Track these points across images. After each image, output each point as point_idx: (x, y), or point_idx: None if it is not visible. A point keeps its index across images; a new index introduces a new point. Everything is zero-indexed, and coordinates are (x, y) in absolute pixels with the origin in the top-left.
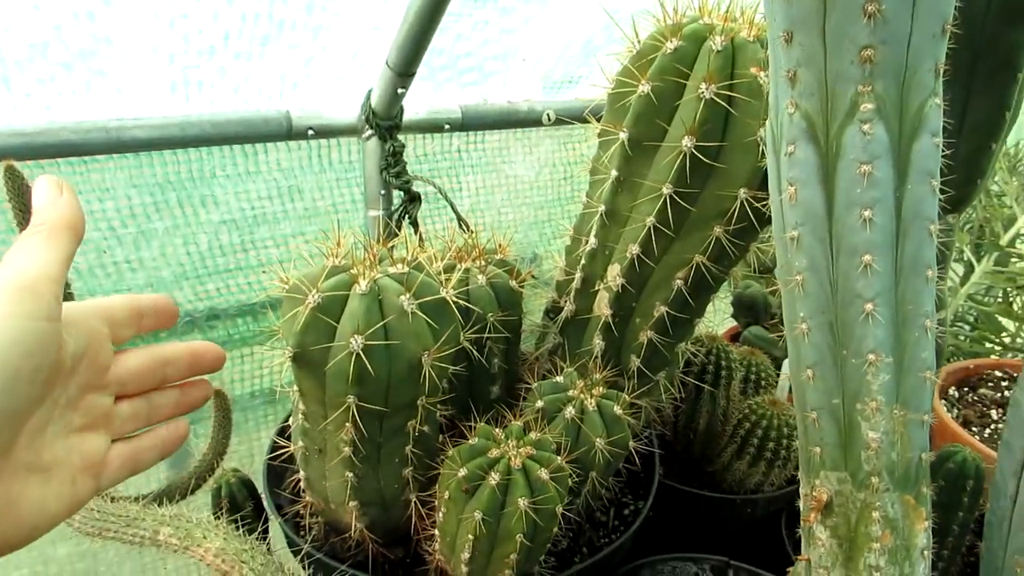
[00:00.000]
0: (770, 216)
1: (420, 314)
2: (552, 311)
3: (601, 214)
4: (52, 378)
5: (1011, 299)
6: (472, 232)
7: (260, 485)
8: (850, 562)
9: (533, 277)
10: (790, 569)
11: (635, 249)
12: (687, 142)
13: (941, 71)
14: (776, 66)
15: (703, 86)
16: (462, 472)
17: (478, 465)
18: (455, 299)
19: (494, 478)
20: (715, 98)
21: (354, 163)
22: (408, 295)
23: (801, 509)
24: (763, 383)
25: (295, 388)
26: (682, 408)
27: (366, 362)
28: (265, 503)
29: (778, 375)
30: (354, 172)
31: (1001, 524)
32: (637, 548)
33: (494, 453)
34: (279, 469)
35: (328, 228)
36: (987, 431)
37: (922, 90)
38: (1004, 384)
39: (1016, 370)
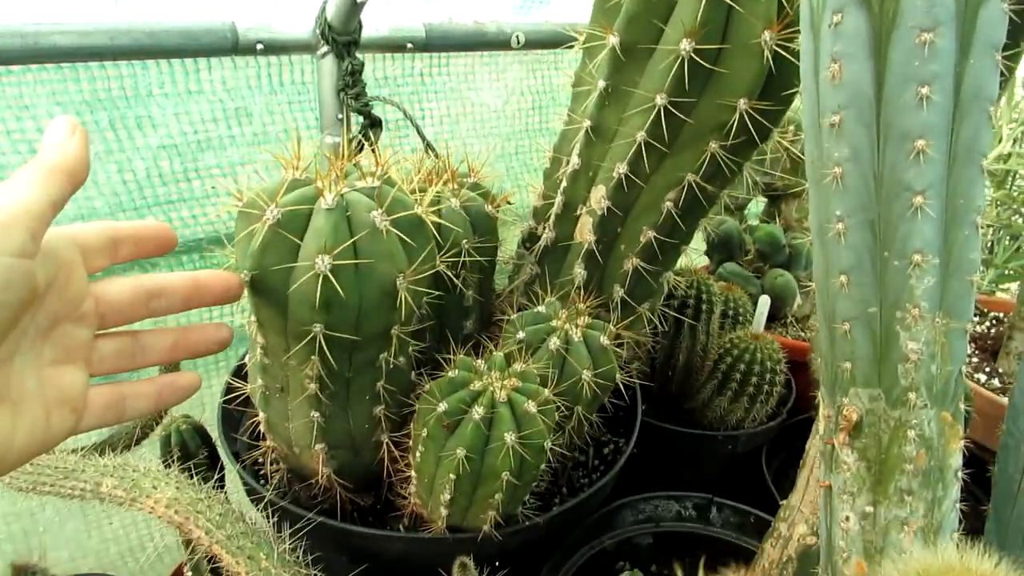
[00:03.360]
0: (770, 129)
1: (394, 231)
2: (528, 240)
3: (586, 130)
4: (20, 312)
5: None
6: (441, 156)
7: (214, 432)
8: (879, 486)
9: (508, 202)
10: (783, 503)
11: (623, 168)
12: (686, 45)
13: None
14: None
15: None
16: (442, 407)
17: (460, 399)
18: (430, 217)
19: (478, 412)
20: None
21: (308, 84)
22: (380, 211)
23: (820, 430)
24: (740, 319)
25: (252, 319)
26: (661, 343)
27: (334, 284)
28: (221, 450)
29: (754, 311)
30: (308, 94)
31: (1018, 447)
32: (617, 487)
33: (476, 386)
34: (235, 413)
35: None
36: None
37: None
38: (976, 319)
39: (986, 306)
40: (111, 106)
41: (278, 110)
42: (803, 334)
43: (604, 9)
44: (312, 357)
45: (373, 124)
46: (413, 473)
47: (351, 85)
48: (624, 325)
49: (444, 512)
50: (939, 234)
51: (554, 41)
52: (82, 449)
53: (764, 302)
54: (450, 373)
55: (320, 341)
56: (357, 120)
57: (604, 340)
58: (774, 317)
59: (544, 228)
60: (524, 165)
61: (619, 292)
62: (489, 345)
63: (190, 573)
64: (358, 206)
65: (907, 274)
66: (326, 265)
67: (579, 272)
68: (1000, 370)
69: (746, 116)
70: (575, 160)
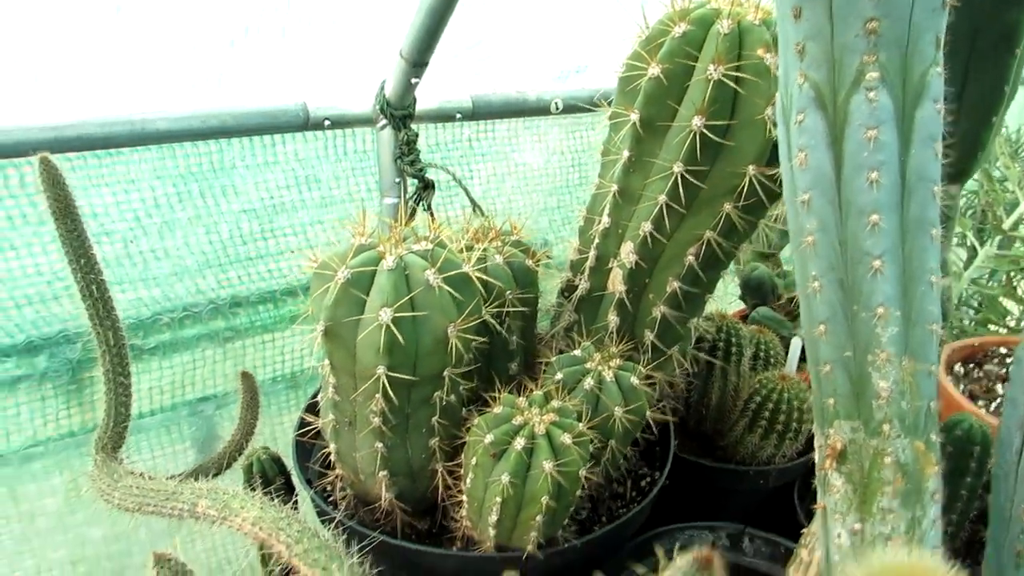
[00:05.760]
0: (779, 192)
1: (445, 287)
2: (567, 290)
3: (613, 194)
4: None
5: (1014, 282)
6: (487, 215)
7: (289, 462)
8: (864, 505)
9: (548, 257)
10: (804, 530)
11: (648, 227)
12: (697, 122)
13: (942, 42)
14: (785, 41)
15: (712, 67)
16: (489, 438)
17: (504, 431)
18: (476, 274)
19: (519, 443)
20: (723, 79)
21: (368, 152)
22: (433, 270)
23: (816, 459)
24: (772, 360)
25: (326, 362)
26: (694, 385)
27: (395, 333)
28: (295, 476)
29: (786, 353)
30: (368, 161)
31: (1008, 477)
32: (654, 518)
33: (518, 420)
34: (307, 445)
35: (344, 216)
36: (993, 405)
37: (923, 59)
38: (1008, 360)
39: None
40: (201, 178)
41: (343, 176)
42: None
43: (625, 91)
44: (376, 395)
45: (427, 187)
46: (464, 498)
47: (407, 153)
48: (654, 367)
49: (492, 532)
50: (899, 291)
51: (590, 105)
52: (179, 475)
53: (796, 344)
54: (496, 409)
55: (383, 381)
56: (413, 183)
57: (634, 380)
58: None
59: (580, 279)
60: (564, 218)
61: (649, 337)
62: (531, 385)
63: None
64: (415, 266)
65: (873, 324)
66: (388, 317)
67: (612, 319)
68: None
69: (755, 181)
70: (605, 220)
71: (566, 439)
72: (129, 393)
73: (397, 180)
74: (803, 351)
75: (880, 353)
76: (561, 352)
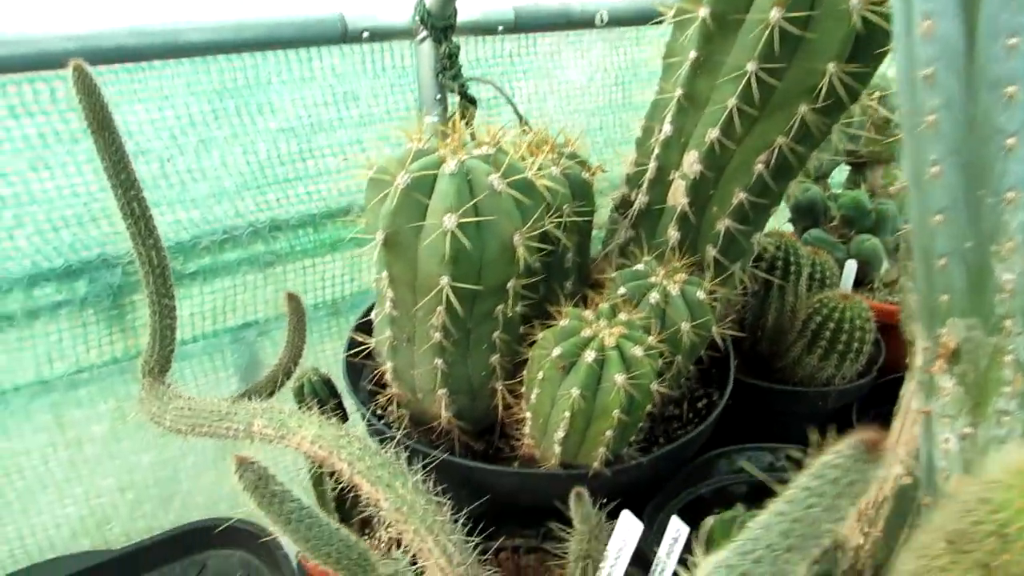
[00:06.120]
0: (859, 90)
1: (511, 192)
2: (622, 206)
3: (678, 99)
4: None
5: None
6: (538, 130)
7: (339, 385)
8: (977, 408)
9: (603, 171)
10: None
11: (714, 133)
12: (775, 13)
13: None
14: None
15: None
16: (557, 351)
17: (573, 344)
18: (541, 181)
19: (590, 355)
20: None
21: (407, 68)
22: (497, 174)
23: (920, 362)
24: (827, 281)
25: (383, 275)
26: (749, 305)
27: (461, 239)
28: (347, 398)
29: (840, 275)
30: (407, 78)
31: None
32: (712, 442)
33: (587, 332)
34: (357, 366)
35: (385, 135)
36: None
37: None
38: None
39: None
40: (236, 94)
41: (381, 93)
42: (891, 298)
43: None
44: (438, 308)
45: (469, 103)
46: (528, 415)
47: (449, 67)
48: (718, 282)
49: (558, 449)
50: None
51: (637, 18)
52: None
53: (850, 266)
54: (562, 322)
55: (447, 292)
56: (452, 100)
57: (700, 295)
58: (860, 282)
59: (637, 193)
60: (608, 139)
61: (712, 252)
62: (598, 298)
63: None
64: (477, 171)
65: (1000, 210)
66: (453, 223)
67: (673, 234)
68: None
69: (835, 79)
70: (667, 128)
71: (637, 351)
72: (174, 315)
73: (438, 96)
74: (858, 273)
75: (1006, 242)
76: (620, 268)
